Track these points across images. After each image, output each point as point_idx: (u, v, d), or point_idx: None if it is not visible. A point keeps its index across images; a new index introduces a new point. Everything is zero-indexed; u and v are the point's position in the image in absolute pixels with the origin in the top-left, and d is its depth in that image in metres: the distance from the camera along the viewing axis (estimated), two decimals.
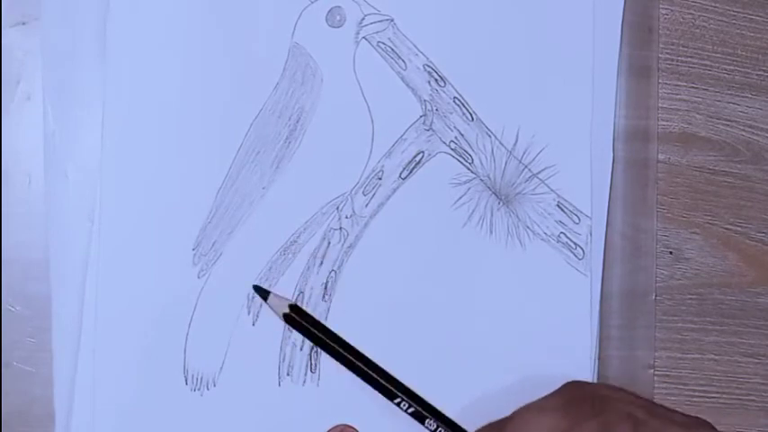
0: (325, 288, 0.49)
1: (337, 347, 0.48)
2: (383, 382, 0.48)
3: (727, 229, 0.53)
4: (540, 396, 0.46)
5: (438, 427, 0.47)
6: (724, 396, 0.52)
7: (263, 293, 0.48)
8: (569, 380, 0.47)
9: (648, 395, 0.51)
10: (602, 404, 0.45)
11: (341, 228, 0.50)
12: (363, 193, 0.50)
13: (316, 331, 0.48)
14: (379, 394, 0.49)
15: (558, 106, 0.51)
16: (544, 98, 0.51)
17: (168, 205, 0.49)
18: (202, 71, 0.49)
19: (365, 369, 0.48)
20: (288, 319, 0.48)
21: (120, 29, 0.49)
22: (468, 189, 0.50)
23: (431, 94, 0.50)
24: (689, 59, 0.53)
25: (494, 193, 0.51)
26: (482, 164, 0.51)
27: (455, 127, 0.51)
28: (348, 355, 0.48)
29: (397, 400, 0.48)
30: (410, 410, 0.48)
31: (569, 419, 0.44)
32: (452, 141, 0.51)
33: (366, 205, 0.50)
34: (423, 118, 0.50)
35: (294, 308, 0.48)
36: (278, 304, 0.48)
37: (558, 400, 0.46)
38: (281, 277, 0.49)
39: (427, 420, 0.47)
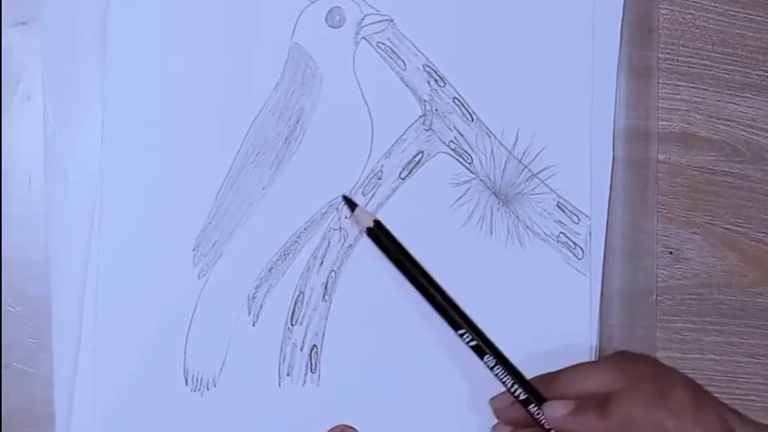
0: (325, 288, 0.49)
1: (413, 271, 0.48)
2: (451, 313, 0.48)
3: (727, 229, 0.53)
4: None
5: (496, 364, 0.47)
6: (724, 396, 0.52)
7: (351, 204, 0.49)
8: None
9: None
10: (657, 371, 0.45)
11: (341, 228, 0.50)
12: (363, 193, 0.50)
13: (395, 251, 0.48)
14: (378, 395, 0.49)
15: (558, 106, 0.51)
16: (544, 98, 0.51)
17: (168, 206, 0.49)
18: (202, 71, 0.49)
19: (436, 296, 0.48)
20: (370, 233, 0.49)
21: (120, 29, 0.49)
22: (468, 189, 0.50)
23: (430, 95, 0.50)
24: (689, 59, 0.53)
25: (493, 193, 0.51)
26: (482, 164, 0.51)
27: (455, 127, 0.51)
28: (422, 280, 0.48)
29: (461, 331, 0.47)
30: (472, 343, 0.47)
31: (626, 378, 0.44)
32: (452, 141, 0.51)
33: (366, 205, 0.50)
34: (422, 118, 0.50)
35: (378, 224, 0.49)
36: (364, 218, 0.49)
37: (612, 361, 0.46)
38: (282, 277, 0.49)
39: (486, 356, 0.47)
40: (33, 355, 0.49)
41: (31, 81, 0.49)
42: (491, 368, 0.47)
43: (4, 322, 0.49)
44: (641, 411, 0.43)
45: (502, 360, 0.47)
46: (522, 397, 0.46)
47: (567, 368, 0.47)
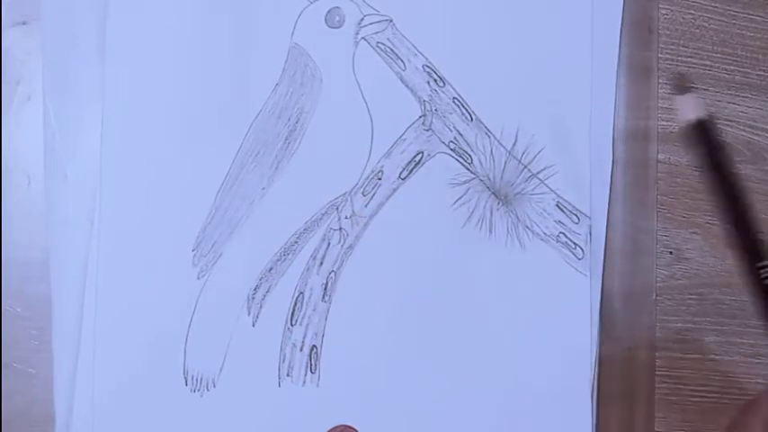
0: (325, 289, 0.50)
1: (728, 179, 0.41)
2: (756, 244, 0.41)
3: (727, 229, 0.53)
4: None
5: None
6: (724, 396, 0.52)
7: (683, 88, 0.42)
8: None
9: (648, 396, 0.51)
10: None
11: (340, 228, 0.50)
12: (363, 193, 0.50)
13: (712, 156, 0.41)
14: (378, 395, 0.49)
15: (557, 106, 0.51)
16: (543, 98, 0.51)
17: (168, 206, 0.49)
18: (202, 72, 0.49)
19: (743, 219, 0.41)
20: (694, 131, 0.41)
21: (120, 29, 0.49)
22: (468, 189, 0.50)
23: (430, 95, 0.50)
24: (689, 59, 0.53)
25: (493, 193, 0.51)
26: (481, 164, 0.51)
27: (454, 127, 0.51)
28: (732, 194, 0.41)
29: (762, 263, 0.41)
30: None
31: None
32: (452, 141, 0.51)
33: (366, 206, 0.50)
34: (422, 118, 0.50)
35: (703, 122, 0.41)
36: (690, 108, 0.41)
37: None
38: (281, 278, 0.49)
39: None
40: (33, 355, 0.49)
41: (31, 81, 0.49)
42: None
43: (4, 322, 0.49)
44: None
45: None
46: None
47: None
